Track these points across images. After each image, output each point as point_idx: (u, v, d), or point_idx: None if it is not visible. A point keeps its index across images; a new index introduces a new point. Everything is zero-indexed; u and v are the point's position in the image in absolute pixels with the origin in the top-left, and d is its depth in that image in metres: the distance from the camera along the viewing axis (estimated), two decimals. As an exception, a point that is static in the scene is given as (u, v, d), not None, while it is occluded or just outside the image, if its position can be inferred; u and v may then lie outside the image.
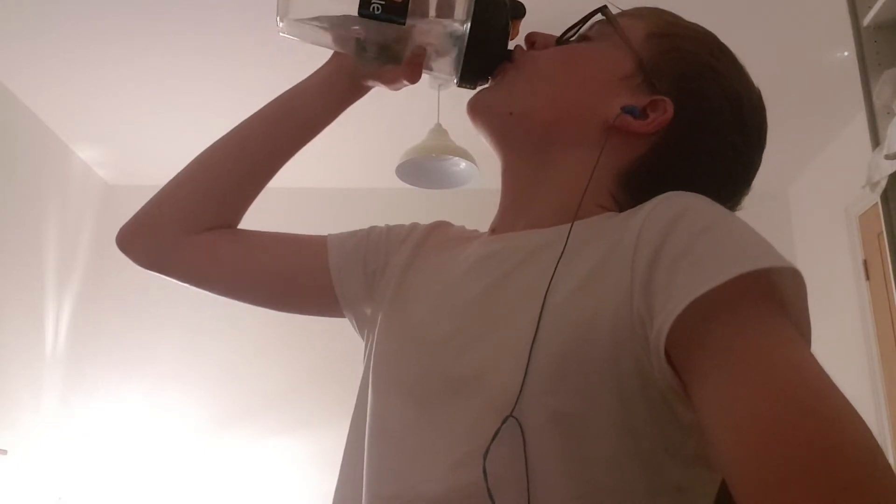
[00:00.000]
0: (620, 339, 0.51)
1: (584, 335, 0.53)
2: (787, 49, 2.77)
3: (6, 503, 3.13)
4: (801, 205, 3.82)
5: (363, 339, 0.77)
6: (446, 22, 0.69)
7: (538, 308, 0.55)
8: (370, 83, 0.78)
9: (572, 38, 0.73)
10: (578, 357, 0.53)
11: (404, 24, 0.66)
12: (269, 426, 3.59)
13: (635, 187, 0.66)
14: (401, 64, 0.72)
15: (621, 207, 0.66)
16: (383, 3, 0.65)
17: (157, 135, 3.53)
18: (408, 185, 3.18)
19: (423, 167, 2.87)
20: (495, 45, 0.69)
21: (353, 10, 0.66)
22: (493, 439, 0.51)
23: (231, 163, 0.82)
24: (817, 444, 0.41)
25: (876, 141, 1.76)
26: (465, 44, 0.67)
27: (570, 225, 0.61)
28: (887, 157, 1.63)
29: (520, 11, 0.72)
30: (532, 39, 0.72)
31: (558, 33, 0.75)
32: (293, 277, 0.81)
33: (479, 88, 0.72)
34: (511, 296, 0.60)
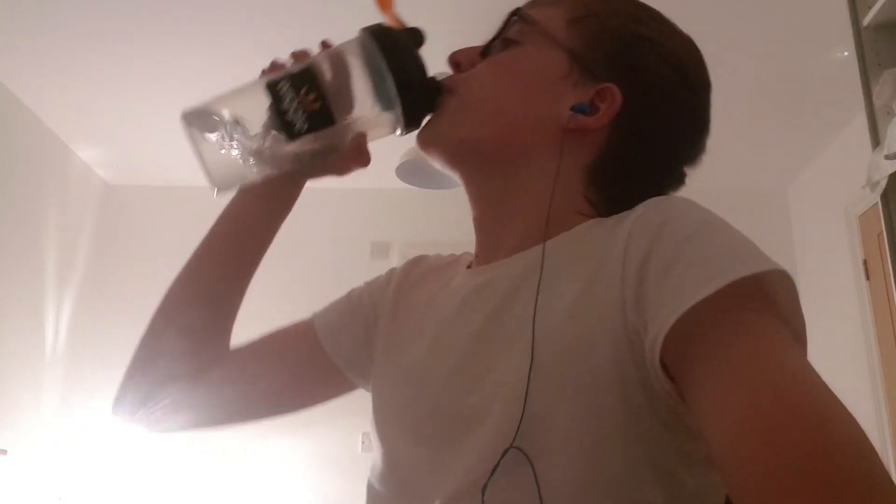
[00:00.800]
0: (620, 354, 0.51)
1: (583, 355, 0.53)
2: (787, 49, 2.77)
3: (6, 503, 3.13)
4: (801, 205, 3.82)
5: None
6: (370, 97, 0.66)
7: (527, 335, 0.55)
8: (317, 177, 0.75)
9: (495, 48, 0.70)
10: (580, 377, 0.52)
11: (335, 123, 0.64)
12: (269, 426, 3.55)
13: (606, 181, 0.65)
14: (342, 150, 0.69)
15: (599, 209, 0.65)
16: (306, 117, 0.63)
17: (157, 135, 3.53)
18: (408, 185, 3.18)
19: (423, 167, 2.87)
20: (422, 86, 0.66)
21: (282, 140, 0.64)
22: (492, 474, 0.51)
23: (194, 307, 0.76)
24: (811, 445, 0.41)
25: (876, 141, 1.76)
26: (398, 101, 0.64)
27: (549, 244, 0.60)
28: (887, 157, 1.63)
29: (420, 39, 0.69)
30: (456, 60, 0.70)
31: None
32: (301, 384, 0.78)
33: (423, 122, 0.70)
34: (507, 327, 0.59)
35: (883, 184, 1.70)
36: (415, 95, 0.65)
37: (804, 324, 0.51)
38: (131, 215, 3.99)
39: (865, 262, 3.09)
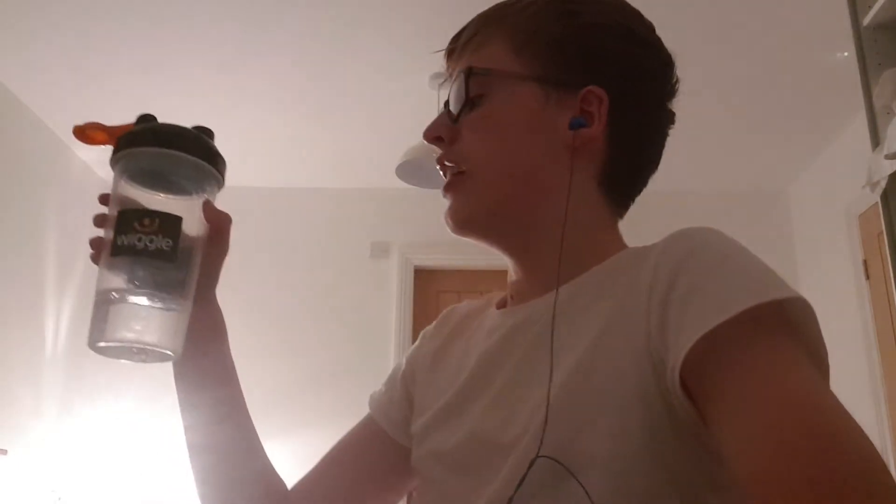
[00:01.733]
0: (645, 381, 0.52)
1: (608, 382, 0.54)
2: (788, 49, 2.77)
3: (6, 503, 3.13)
4: (802, 205, 3.82)
5: None
6: (183, 184, 0.66)
7: (560, 363, 0.57)
8: (214, 276, 0.71)
9: (464, 106, 0.68)
10: (605, 403, 0.53)
11: (181, 216, 0.63)
12: (269, 426, 3.57)
13: (622, 173, 0.67)
14: (209, 230, 0.67)
15: (619, 211, 0.68)
16: (162, 235, 0.61)
17: (156, 135, 3.53)
18: (408, 185, 3.18)
19: (423, 167, 2.87)
20: (199, 145, 0.66)
21: (165, 268, 0.61)
22: (519, 485, 0.53)
23: (223, 488, 0.76)
24: (827, 465, 0.42)
25: (876, 141, 1.76)
26: (203, 169, 0.64)
27: (581, 277, 0.63)
28: (887, 157, 1.63)
29: (209, 132, 0.69)
30: (435, 136, 0.69)
31: None
32: (378, 481, 0.79)
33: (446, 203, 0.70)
34: (541, 362, 0.60)
35: (883, 184, 1.70)
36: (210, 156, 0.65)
37: (825, 351, 0.52)
38: None
39: (865, 262, 3.09)
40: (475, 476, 0.60)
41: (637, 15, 0.70)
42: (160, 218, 0.62)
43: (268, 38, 2.79)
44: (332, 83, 3.06)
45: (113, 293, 0.62)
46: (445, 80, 0.72)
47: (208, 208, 0.67)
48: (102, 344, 0.62)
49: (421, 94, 3.01)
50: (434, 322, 0.81)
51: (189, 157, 0.64)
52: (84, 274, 3.80)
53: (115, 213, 0.65)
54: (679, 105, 0.72)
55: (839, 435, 0.43)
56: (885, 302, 2.94)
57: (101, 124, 0.68)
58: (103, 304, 0.62)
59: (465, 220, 0.68)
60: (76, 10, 2.61)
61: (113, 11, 2.62)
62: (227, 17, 2.66)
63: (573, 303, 0.61)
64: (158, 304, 0.62)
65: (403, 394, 0.78)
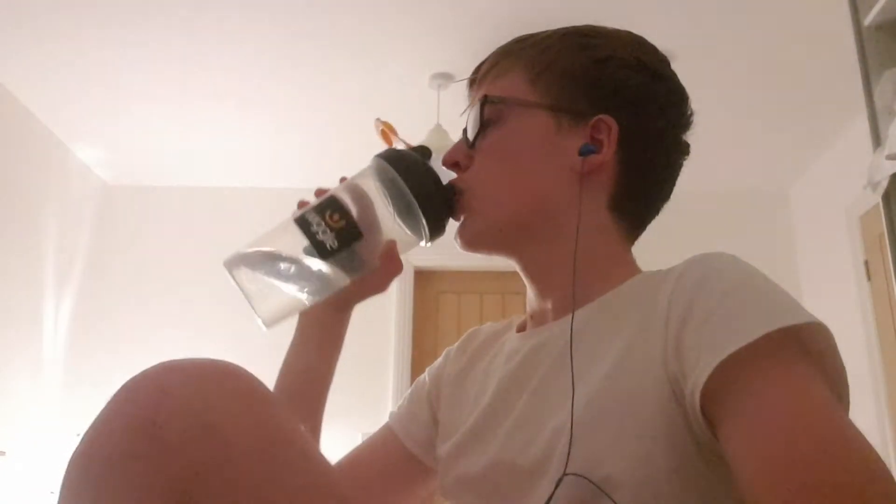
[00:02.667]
0: (667, 404, 0.53)
1: (629, 407, 0.55)
2: (788, 49, 2.76)
3: (4, 503, 3.13)
4: (803, 205, 3.82)
5: None
6: (393, 214, 0.70)
7: (579, 388, 0.57)
8: (364, 297, 0.79)
9: (479, 132, 0.72)
10: (627, 429, 0.54)
11: (362, 236, 0.69)
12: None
13: (632, 200, 0.69)
14: (377, 267, 0.72)
15: (631, 230, 0.69)
16: (334, 235, 0.67)
17: (156, 135, 3.53)
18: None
19: (423, 167, 2.87)
20: (438, 199, 0.70)
21: (314, 261, 0.68)
22: (549, 500, 0.53)
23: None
24: (836, 484, 0.42)
25: (877, 141, 1.76)
26: (420, 216, 0.69)
27: (596, 302, 0.64)
28: (888, 157, 1.63)
29: (428, 154, 0.73)
30: (453, 161, 0.73)
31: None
32: (397, 485, 0.81)
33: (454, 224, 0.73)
34: (561, 386, 0.61)
35: (884, 184, 1.70)
36: (435, 206, 0.69)
37: (844, 376, 0.52)
38: (130, 215, 3.98)
39: (867, 263, 3.09)
40: (503, 501, 0.61)
41: (651, 50, 0.72)
42: (347, 223, 0.68)
43: (270, 42, 2.79)
44: (332, 84, 3.06)
45: (275, 248, 0.70)
46: (466, 110, 0.75)
47: (392, 249, 0.72)
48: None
49: (421, 94, 3.01)
50: (457, 343, 0.83)
51: (431, 215, 0.69)
52: (84, 274, 3.80)
53: (330, 195, 0.71)
54: (684, 87, 0.73)
55: (851, 455, 0.44)
56: (886, 303, 2.94)
57: (393, 130, 0.71)
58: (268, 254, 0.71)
59: (473, 238, 0.71)
60: (76, 13, 2.61)
61: (112, 14, 2.62)
62: (228, 18, 2.66)
63: (589, 327, 0.62)
64: (282, 281, 0.70)
65: (429, 413, 0.80)
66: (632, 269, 0.69)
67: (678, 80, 0.72)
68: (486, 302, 3.95)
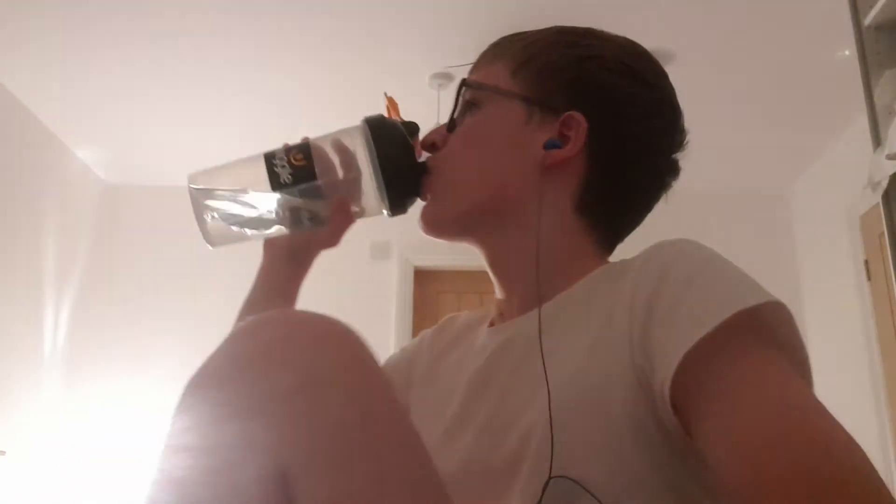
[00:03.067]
0: (634, 399, 0.53)
1: (598, 404, 0.54)
2: (788, 49, 2.76)
3: (4, 502, 3.13)
4: (803, 205, 3.82)
5: None
6: (355, 173, 0.71)
7: (547, 388, 0.57)
8: (314, 252, 0.81)
9: (458, 117, 0.73)
10: (597, 426, 0.54)
11: (317, 179, 0.70)
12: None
13: (598, 205, 0.68)
14: (327, 221, 0.74)
15: (599, 234, 0.68)
16: (290, 171, 0.70)
17: (155, 135, 3.53)
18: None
19: (423, 167, 2.87)
20: (406, 172, 0.71)
21: (267, 195, 0.70)
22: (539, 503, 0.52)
23: None
24: (817, 472, 0.42)
25: (877, 141, 1.75)
26: (382, 185, 0.69)
27: (559, 297, 0.63)
28: (888, 157, 1.63)
29: (413, 129, 0.74)
30: (430, 142, 0.73)
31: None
32: None
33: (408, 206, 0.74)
34: (528, 383, 0.61)
35: (884, 184, 1.70)
36: (398, 179, 0.70)
37: (806, 353, 0.52)
38: (130, 215, 3.98)
39: (867, 263, 3.09)
40: (479, 500, 0.60)
41: (644, 58, 0.71)
42: (306, 165, 0.70)
43: (271, 39, 2.79)
44: (332, 83, 3.06)
45: (236, 173, 0.75)
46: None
47: (344, 204, 0.72)
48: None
49: (421, 94, 3.01)
50: (434, 327, 0.83)
51: (392, 186, 0.70)
52: (84, 274, 3.80)
53: (305, 139, 0.73)
54: (679, 105, 0.72)
55: (827, 441, 0.43)
56: (886, 303, 2.94)
57: (396, 108, 0.74)
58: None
59: (433, 222, 0.72)
60: (76, 12, 2.61)
61: (112, 14, 2.62)
62: (228, 17, 2.66)
63: (555, 322, 0.61)
64: (234, 206, 0.74)
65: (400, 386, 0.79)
66: (596, 261, 0.68)
67: (671, 94, 0.71)
68: (486, 302, 3.94)
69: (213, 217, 0.73)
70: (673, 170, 0.71)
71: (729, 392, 0.47)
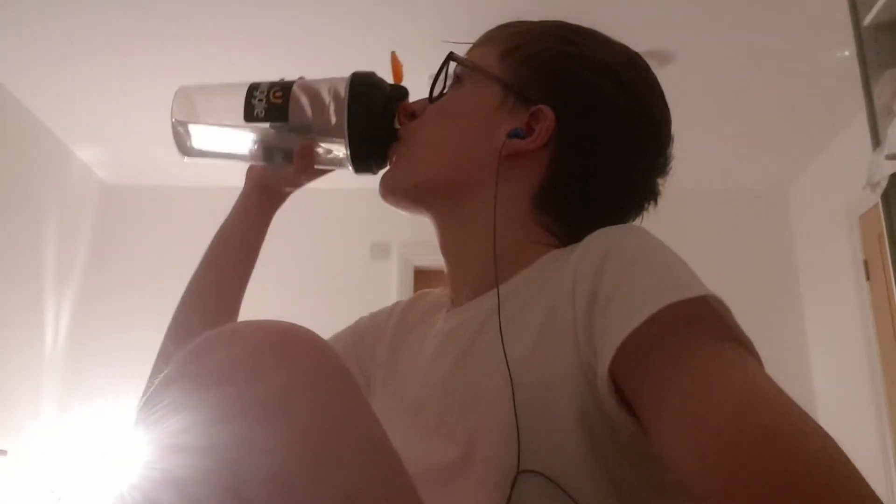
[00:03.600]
0: (579, 392, 0.52)
1: (545, 396, 0.53)
2: (788, 49, 2.77)
3: (5, 502, 3.13)
4: (802, 205, 3.82)
5: None
6: (326, 122, 0.72)
7: (501, 379, 0.55)
8: (282, 189, 0.82)
9: (444, 91, 0.72)
10: (546, 417, 0.53)
11: (287, 121, 0.72)
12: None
13: (555, 202, 0.66)
14: (290, 162, 0.74)
15: (560, 236, 0.66)
16: (265, 106, 0.71)
17: (155, 135, 3.53)
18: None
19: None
20: (374, 135, 0.71)
21: (240, 119, 0.72)
22: (508, 501, 0.51)
23: (199, 307, 0.84)
24: (784, 459, 0.40)
25: (876, 141, 1.76)
26: (346, 141, 0.70)
27: (509, 283, 0.62)
28: (888, 157, 1.63)
29: (401, 94, 0.74)
30: (410, 110, 0.73)
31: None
32: None
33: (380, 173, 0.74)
34: (472, 373, 0.60)
35: (883, 184, 1.70)
36: (363, 138, 0.70)
37: (746, 337, 0.50)
38: (130, 215, 3.99)
39: (866, 263, 3.09)
40: (432, 488, 0.58)
41: (636, 66, 0.69)
42: (281, 104, 0.72)
43: (269, 41, 2.79)
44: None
45: (218, 96, 0.79)
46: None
47: (308, 148, 0.73)
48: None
49: (422, 94, 3.01)
50: (408, 300, 0.83)
51: (356, 144, 0.70)
52: (84, 274, 3.80)
53: (291, 80, 0.75)
54: (679, 105, 0.71)
55: (796, 428, 0.42)
56: (885, 303, 2.94)
57: (398, 71, 0.79)
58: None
59: (388, 188, 0.72)
60: (76, 13, 2.61)
61: (113, 14, 2.62)
62: (229, 19, 2.66)
63: (494, 315, 0.59)
64: (210, 125, 0.79)
65: (356, 366, 0.78)
66: (542, 249, 0.65)
67: (658, 112, 0.68)
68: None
69: (188, 131, 0.76)
70: (649, 191, 0.69)
71: (680, 384, 0.46)
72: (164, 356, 0.81)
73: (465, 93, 0.70)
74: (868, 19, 1.80)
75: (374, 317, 0.83)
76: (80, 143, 3.61)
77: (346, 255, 3.93)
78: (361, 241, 3.94)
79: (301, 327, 0.46)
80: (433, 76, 0.72)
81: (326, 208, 3.88)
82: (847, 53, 2.44)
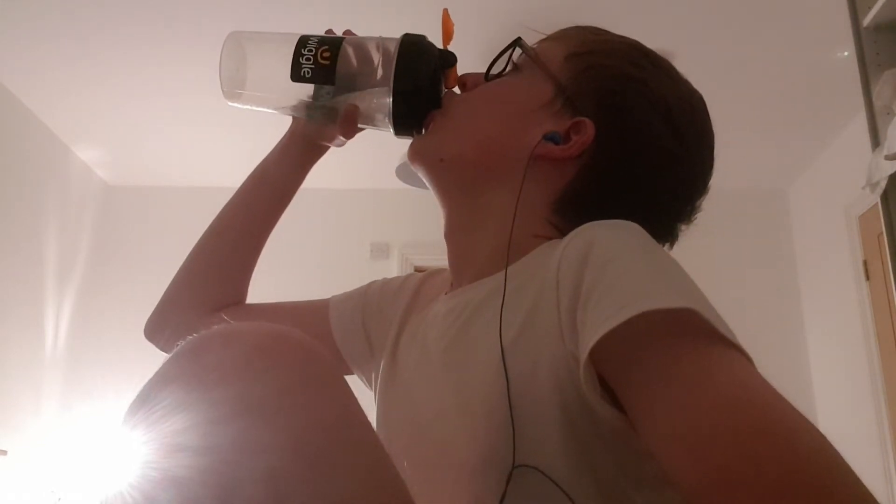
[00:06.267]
0: (561, 383, 0.51)
1: (530, 384, 0.53)
2: (788, 49, 2.77)
3: (5, 502, 3.13)
4: (802, 205, 3.82)
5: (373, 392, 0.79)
6: (373, 82, 0.72)
7: (492, 367, 0.55)
8: (322, 143, 0.83)
9: (503, 71, 0.72)
10: (531, 409, 0.53)
11: (334, 84, 0.71)
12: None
13: (573, 213, 0.65)
14: (335, 121, 0.74)
15: (563, 231, 0.64)
16: (312, 66, 0.71)
17: (156, 135, 3.53)
18: (408, 186, 3.18)
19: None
20: (419, 97, 0.70)
21: (286, 77, 0.72)
22: (503, 497, 0.51)
23: (223, 243, 0.86)
24: (780, 459, 0.40)
25: (876, 141, 1.76)
26: (390, 102, 0.69)
27: (507, 270, 0.61)
28: (887, 157, 1.63)
29: (450, 60, 0.73)
30: (463, 81, 0.73)
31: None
32: None
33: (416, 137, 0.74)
34: (465, 355, 0.60)
35: (883, 184, 1.70)
36: (407, 102, 0.69)
37: (735, 336, 0.48)
38: (131, 216, 3.99)
39: (865, 263, 3.09)
40: (430, 478, 0.59)
41: (693, 109, 0.68)
42: (329, 66, 0.71)
43: (268, 39, 2.79)
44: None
45: (268, 45, 0.81)
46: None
47: (351, 111, 0.72)
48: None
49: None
50: (424, 275, 0.83)
51: (399, 107, 0.70)
52: (84, 274, 3.80)
53: (342, 37, 0.75)
54: (707, 180, 0.69)
55: (790, 428, 0.41)
56: (885, 303, 2.94)
57: (449, 31, 0.76)
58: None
59: (416, 153, 0.72)
60: (76, 13, 2.61)
61: (112, 14, 2.62)
62: (229, 20, 2.66)
63: (495, 298, 0.60)
64: (255, 74, 0.79)
65: (361, 331, 0.80)
66: (542, 240, 0.65)
67: (700, 161, 0.67)
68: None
69: (234, 77, 0.75)
70: (669, 234, 0.69)
71: (670, 384, 0.45)
72: (190, 260, 0.87)
73: (520, 82, 0.69)
74: (867, 19, 1.80)
75: (385, 284, 0.85)
76: (80, 143, 3.61)
77: (346, 255, 3.93)
78: (361, 241, 3.94)
79: (294, 330, 0.47)
80: (500, 59, 0.72)
81: (326, 208, 3.89)
82: (846, 53, 2.44)
